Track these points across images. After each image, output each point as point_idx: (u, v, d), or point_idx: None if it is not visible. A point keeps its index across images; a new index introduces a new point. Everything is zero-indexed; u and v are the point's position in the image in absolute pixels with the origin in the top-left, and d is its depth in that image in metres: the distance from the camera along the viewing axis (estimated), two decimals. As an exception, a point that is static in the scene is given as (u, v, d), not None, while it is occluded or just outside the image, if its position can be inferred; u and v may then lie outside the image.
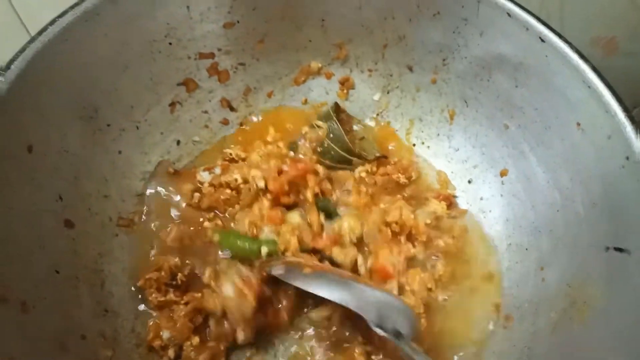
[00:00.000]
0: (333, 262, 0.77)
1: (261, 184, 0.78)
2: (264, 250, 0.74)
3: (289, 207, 0.80)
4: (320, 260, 0.77)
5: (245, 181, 0.80)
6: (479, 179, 0.87)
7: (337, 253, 0.76)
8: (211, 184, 0.81)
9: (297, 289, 0.72)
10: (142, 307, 0.76)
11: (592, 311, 0.63)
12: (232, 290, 0.70)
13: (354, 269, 0.77)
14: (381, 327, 0.67)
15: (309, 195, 0.79)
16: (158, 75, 0.82)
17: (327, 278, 0.71)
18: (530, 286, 0.75)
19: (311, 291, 0.70)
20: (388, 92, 0.93)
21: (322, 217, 0.80)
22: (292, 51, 0.90)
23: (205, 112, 0.90)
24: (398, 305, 0.69)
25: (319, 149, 0.87)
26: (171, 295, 0.74)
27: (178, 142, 0.88)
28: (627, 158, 0.62)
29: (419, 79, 0.89)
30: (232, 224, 0.82)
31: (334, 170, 0.86)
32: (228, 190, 0.80)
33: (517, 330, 0.73)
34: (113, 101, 0.77)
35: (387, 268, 0.77)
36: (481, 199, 0.86)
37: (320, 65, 0.92)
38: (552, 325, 0.68)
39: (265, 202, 0.79)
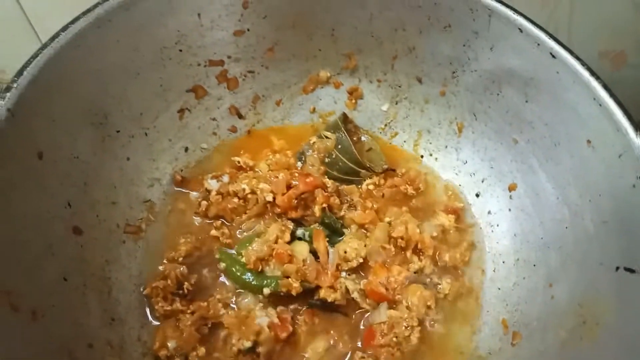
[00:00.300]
0: (326, 302, 0.77)
1: (269, 198, 0.78)
2: (266, 291, 0.75)
3: (295, 221, 0.80)
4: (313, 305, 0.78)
5: (253, 192, 0.79)
6: (487, 192, 0.87)
7: (326, 294, 0.76)
8: (219, 192, 0.81)
9: None
10: (149, 315, 0.76)
11: (603, 330, 0.62)
12: (266, 323, 0.72)
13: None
14: None
15: (317, 210, 0.79)
16: (168, 81, 0.82)
17: None
18: (538, 303, 0.74)
19: None
20: (396, 103, 0.93)
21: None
22: (302, 60, 0.90)
23: (214, 119, 0.90)
24: None
25: (326, 160, 0.87)
26: (177, 305, 0.74)
27: (186, 149, 0.88)
28: (639, 177, 0.62)
29: (428, 90, 0.89)
30: (237, 233, 0.82)
31: (341, 183, 0.86)
32: (235, 199, 0.80)
33: (525, 347, 0.73)
34: (123, 107, 0.77)
35: (380, 291, 0.78)
36: (489, 212, 0.86)
37: (329, 74, 0.92)
38: (560, 343, 0.67)
39: (273, 231, 0.78)
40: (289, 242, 0.78)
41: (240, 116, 0.92)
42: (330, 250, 0.78)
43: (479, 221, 0.87)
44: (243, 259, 0.76)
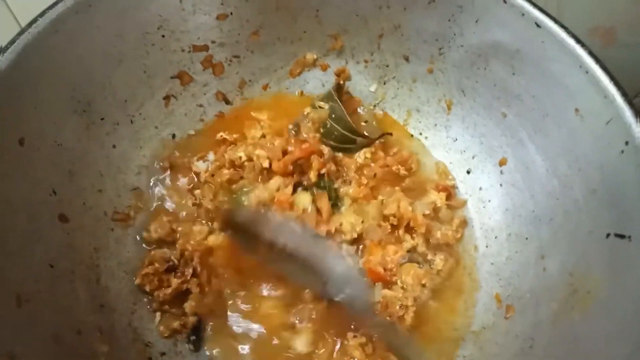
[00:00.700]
0: None
1: (265, 164, 0.78)
2: None
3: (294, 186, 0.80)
4: None
5: (250, 159, 0.80)
6: (477, 168, 0.86)
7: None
8: (208, 171, 0.82)
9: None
10: (143, 300, 0.76)
11: (594, 300, 0.62)
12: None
13: None
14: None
15: (313, 176, 0.79)
16: (152, 68, 0.81)
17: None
18: (531, 276, 0.74)
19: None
20: (384, 83, 0.92)
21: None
22: (287, 43, 0.89)
23: (201, 105, 0.89)
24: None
25: (321, 130, 0.86)
26: (175, 280, 0.74)
27: (173, 136, 0.87)
28: (627, 143, 0.61)
29: (415, 69, 0.88)
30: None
31: (337, 152, 0.86)
32: (226, 170, 0.80)
33: (518, 321, 0.73)
34: (107, 95, 0.77)
35: (378, 270, 0.77)
36: (480, 188, 0.85)
37: (315, 56, 0.92)
38: (553, 316, 0.67)
39: (275, 182, 0.78)
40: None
41: (227, 102, 0.91)
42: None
43: (471, 198, 0.86)
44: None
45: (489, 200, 0.84)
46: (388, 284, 0.77)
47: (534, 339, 0.68)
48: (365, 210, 0.82)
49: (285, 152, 0.79)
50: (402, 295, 0.76)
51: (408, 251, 0.80)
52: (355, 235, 0.79)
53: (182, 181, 0.84)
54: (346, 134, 0.86)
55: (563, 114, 0.70)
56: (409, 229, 0.82)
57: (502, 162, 0.82)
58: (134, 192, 0.82)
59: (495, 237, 0.82)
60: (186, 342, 0.74)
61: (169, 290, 0.73)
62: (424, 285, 0.77)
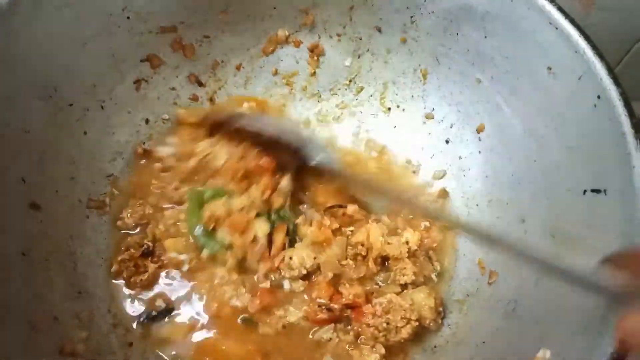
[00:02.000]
0: None
1: (219, 163, 0.77)
2: (205, 252, 0.73)
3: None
4: None
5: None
6: (456, 137, 0.85)
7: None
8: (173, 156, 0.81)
9: None
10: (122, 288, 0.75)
11: (575, 256, 0.61)
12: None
13: None
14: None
15: (254, 192, 0.76)
16: (119, 51, 0.80)
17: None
18: (513, 240, 0.73)
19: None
20: (359, 57, 0.91)
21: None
22: (258, 20, 0.88)
23: (173, 88, 0.88)
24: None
25: None
26: (150, 265, 0.74)
27: (147, 121, 0.86)
28: (599, 97, 0.61)
29: (389, 39, 0.87)
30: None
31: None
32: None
33: (502, 285, 0.72)
34: (73, 79, 0.75)
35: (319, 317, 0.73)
36: (460, 157, 0.84)
37: (287, 33, 0.90)
38: (535, 276, 0.66)
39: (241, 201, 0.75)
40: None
41: (200, 84, 0.90)
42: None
43: (450, 167, 0.85)
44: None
45: (469, 169, 0.83)
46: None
47: (517, 301, 0.67)
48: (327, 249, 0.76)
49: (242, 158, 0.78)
50: (408, 307, 0.71)
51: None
52: (304, 272, 0.74)
53: (157, 166, 0.83)
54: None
55: (536, 74, 0.69)
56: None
57: (480, 129, 0.81)
58: (109, 178, 0.81)
59: (477, 205, 0.81)
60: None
61: (146, 276, 0.72)
62: (431, 309, 0.72)
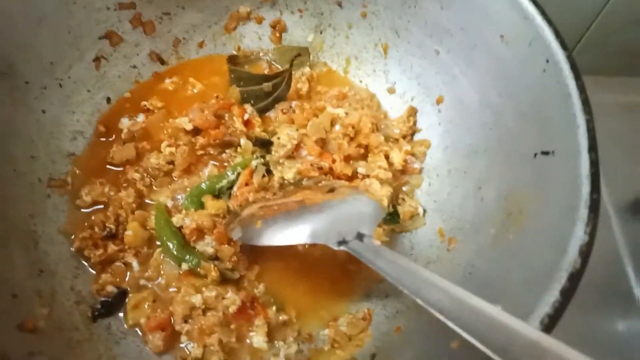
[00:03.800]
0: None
1: (189, 127, 0.77)
2: (184, 266, 0.72)
3: (224, 146, 0.80)
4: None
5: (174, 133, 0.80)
6: (417, 110, 0.86)
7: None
8: (130, 131, 0.80)
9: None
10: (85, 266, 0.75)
11: (526, 217, 0.63)
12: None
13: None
14: (343, 241, 0.62)
15: (238, 124, 0.78)
16: (77, 28, 0.79)
17: (279, 222, 0.69)
18: (470, 207, 0.75)
19: (267, 244, 0.68)
20: (321, 32, 0.91)
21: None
22: (219, -4, 0.88)
23: (134, 66, 0.87)
24: (359, 205, 0.68)
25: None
26: (112, 247, 0.73)
27: (108, 100, 0.85)
28: (547, 61, 0.62)
29: (349, 14, 0.87)
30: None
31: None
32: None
33: (460, 250, 0.73)
34: (29, 57, 0.74)
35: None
36: (421, 130, 0.86)
37: (249, 9, 0.90)
38: (492, 239, 0.68)
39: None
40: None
41: (162, 62, 0.89)
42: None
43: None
44: (180, 219, 0.74)
45: (430, 140, 0.84)
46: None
47: (474, 265, 0.69)
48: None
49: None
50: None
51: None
52: (294, 143, 0.79)
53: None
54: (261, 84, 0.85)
55: (490, 43, 0.71)
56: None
57: (439, 101, 0.82)
58: (70, 157, 0.80)
59: (437, 175, 0.82)
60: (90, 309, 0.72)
61: (99, 252, 0.72)
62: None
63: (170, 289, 0.73)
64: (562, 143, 0.59)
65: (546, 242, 0.56)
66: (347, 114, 0.83)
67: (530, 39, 0.64)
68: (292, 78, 0.86)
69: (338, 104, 0.86)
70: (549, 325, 0.48)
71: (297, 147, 0.80)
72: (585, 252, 0.50)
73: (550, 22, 0.63)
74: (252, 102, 0.85)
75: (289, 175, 0.78)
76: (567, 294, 0.48)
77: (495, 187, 0.71)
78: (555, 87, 0.60)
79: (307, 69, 0.90)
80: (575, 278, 0.49)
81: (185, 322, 0.70)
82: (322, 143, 0.81)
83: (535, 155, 0.63)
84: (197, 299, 0.70)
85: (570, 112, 0.58)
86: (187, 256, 0.72)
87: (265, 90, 0.85)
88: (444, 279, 0.51)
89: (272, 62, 0.92)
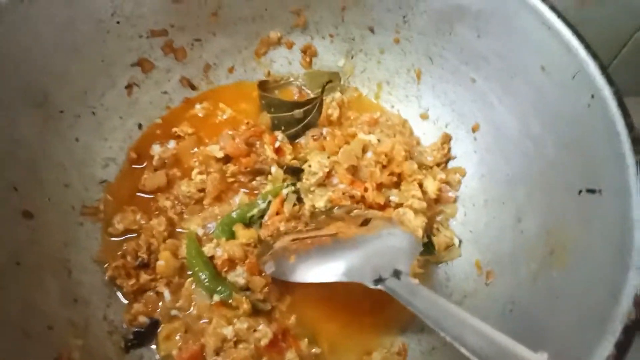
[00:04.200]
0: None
1: (220, 154, 0.78)
2: (216, 297, 0.71)
3: (254, 174, 0.80)
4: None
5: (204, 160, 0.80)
6: (451, 137, 0.85)
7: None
8: (161, 158, 0.80)
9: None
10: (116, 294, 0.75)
11: (571, 255, 0.61)
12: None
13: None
14: (380, 279, 0.61)
15: (269, 151, 0.78)
16: (110, 56, 0.79)
17: (312, 258, 0.68)
18: (509, 240, 0.73)
19: (300, 281, 0.67)
20: (352, 57, 0.90)
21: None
22: (249, 22, 0.87)
23: (165, 92, 0.87)
24: (395, 240, 0.67)
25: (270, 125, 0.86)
26: (144, 276, 0.73)
27: (140, 126, 0.85)
28: (593, 96, 0.60)
29: (382, 39, 0.86)
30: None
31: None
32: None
33: (499, 285, 0.72)
34: (64, 86, 0.75)
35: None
36: (455, 157, 0.84)
37: (279, 34, 0.90)
38: (533, 276, 0.66)
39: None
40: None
41: (192, 87, 0.89)
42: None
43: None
44: (211, 248, 0.74)
45: (465, 168, 0.83)
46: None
47: (514, 302, 0.67)
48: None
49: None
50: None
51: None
52: (326, 170, 0.78)
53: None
54: (291, 111, 0.85)
55: (530, 72, 0.69)
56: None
57: (474, 128, 0.81)
58: (103, 184, 0.80)
59: (473, 205, 0.81)
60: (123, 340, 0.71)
61: (132, 282, 0.72)
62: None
63: (202, 320, 0.73)
64: (610, 182, 0.57)
65: (594, 285, 0.54)
66: (379, 140, 0.82)
67: (574, 72, 0.62)
68: (323, 104, 0.85)
69: (369, 130, 0.85)
70: (604, 380, 0.46)
71: (329, 174, 0.79)
72: (640, 301, 0.48)
73: (595, 56, 0.61)
74: (282, 128, 0.84)
75: (320, 203, 0.77)
76: (623, 347, 0.46)
77: (536, 220, 0.69)
78: (601, 123, 0.59)
79: (337, 94, 0.89)
80: (631, 330, 0.47)
81: (217, 354, 0.69)
82: (354, 170, 0.80)
83: (580, 192, 0.61)
84: (228, 331, 0.69)
85: (618, 150, 0.56)
86: (219, 287, 0.72)
87: (297, 117, 0.84)
88: (486, 324, 0.50)
89: (302, 87, 0.91)
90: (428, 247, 0.77)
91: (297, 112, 0.84)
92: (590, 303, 0.54)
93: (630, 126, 0.56)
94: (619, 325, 0.47)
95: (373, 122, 0.86)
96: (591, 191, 0.59)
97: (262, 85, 0.89)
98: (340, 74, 0.91)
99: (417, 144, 0.86)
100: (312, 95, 0.89)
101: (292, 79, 0.92)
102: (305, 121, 0.85)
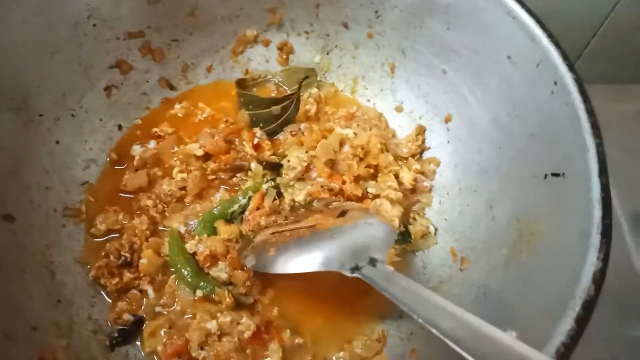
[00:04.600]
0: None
1: (200, 152, 0.79)
2: (199, 293, 0.72)
3: (234, 170, 0.81)
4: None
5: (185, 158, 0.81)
6: (425, 129, 0.87)
7: None
8: (142, 158, 0.81)
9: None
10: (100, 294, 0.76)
11: (539, 239, 0.63)
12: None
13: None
14: (356, 267, 0.62)
15: (248, 148, 0.79)
16: (87, 59, 0.80)
17: (291, 250, 0.69)
18: (482, 226, 0.75)
19: (280, 272, 0.69)
20: (328, 53, 0.92)
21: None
22: (226, 21, 0.89)
23: (144, 93, 0.88)
24: (371, 230, 0.68)
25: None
26: (128, 275, 0.74)
27: (120, 127, 0.86)
28: (555, 83, 0.62)
29: (356, 35, 0.88)
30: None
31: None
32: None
33: (473, 270, 0.74)
34: (42, 90, 0.76)
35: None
36: (429, 148, 0.86)
37: (256, 33, 0.91)
38: (504, 261, 0.68)
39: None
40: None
41: (172, 87, 0.90)
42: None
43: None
44: (194, 245, 0.75)
45: (439, 158, 0.85)
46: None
47: (488, 286, 0.69)
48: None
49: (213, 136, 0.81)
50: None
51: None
52: (304, 165, 0.79)
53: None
54: (270, 108, 0.86)
55: (498, 63, 0.71)
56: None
57: (447, 119, 0.83)
58: (84, 186, 0.81)
59: (448, 194, 0.82)
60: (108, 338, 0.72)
61: (115, 281, 0.73)
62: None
63: (186, 316, 0.74)
64: (573, 165, 0.59)
65: (560, 266, 0.56)
66: (355, 134, 0.83)
67: (538, 61, 0.64)
68: (300, 100, 0.87)
69: (346, 124, 0.86)
70: (565, 353, 0.48)
71: (307, 169, 0.81)
72: (599, 279, 0.50)
73: (557, 45, 0.63)
74: (261, 125, 0.86)
75: (300, 197, 0.79)
76: (582, 322, 0.48)
77: (507, 206, 0.71)
78: (564, 109, 0.60)
79: (314, 90, 0.90)
80: (589, 305, 0.49)
81: (202, 348, 0.71)
82: (332, 164, 0.81)
83: (546, 176, 0.63)
84: (212, 325, 0.70)
85: (579, 135, 0.58)
86: (202, 283, 0.73)
87: (274, 113, 0.85)
88: (459, 308, 0.51)
89: (280, 84, 0.93)
90: (405, 236, 0.79)
91: (275, 109, 0.85)
92: (557, 284, 0.56)
93: (590, 111, 0.58)
94: (579, 301, 0.49)
95: (350, 117, 0.88)
96: (555, 175, 0.61)
97: (240, 83, 0.90)
98: (316, 70, 0.92)
99: (392, 137, 0.87)
100: (289, 92, 0.90)
101: (269, 76, 0.93)
102: (283, 117, 0.86)
